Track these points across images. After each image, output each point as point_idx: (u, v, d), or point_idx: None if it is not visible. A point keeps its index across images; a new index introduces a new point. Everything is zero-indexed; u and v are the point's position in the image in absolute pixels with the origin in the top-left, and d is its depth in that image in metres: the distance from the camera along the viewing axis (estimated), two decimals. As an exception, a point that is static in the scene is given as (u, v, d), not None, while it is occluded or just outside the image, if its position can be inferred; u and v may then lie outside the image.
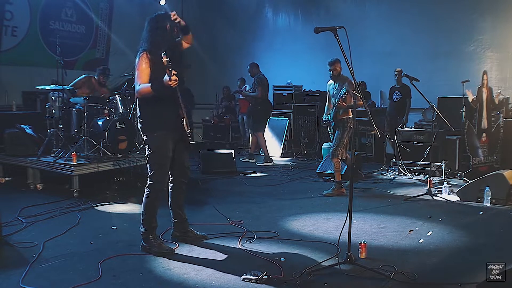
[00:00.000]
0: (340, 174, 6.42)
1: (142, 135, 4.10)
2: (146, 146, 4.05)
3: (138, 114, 4.06)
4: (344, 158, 6.47)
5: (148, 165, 4.07)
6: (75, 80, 7.39)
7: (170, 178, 4.25)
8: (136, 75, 3.90)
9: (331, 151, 6.40)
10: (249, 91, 9.24)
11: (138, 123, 4.10)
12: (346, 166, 6.85)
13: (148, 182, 4.05)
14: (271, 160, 9.04)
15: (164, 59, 3.71)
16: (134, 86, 3.99)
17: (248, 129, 9.68)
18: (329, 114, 6.46)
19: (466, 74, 8.32)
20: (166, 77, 3.72)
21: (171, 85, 3.74)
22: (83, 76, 7.37)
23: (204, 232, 4.47)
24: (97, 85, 7.53)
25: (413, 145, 7.94)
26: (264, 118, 9.21)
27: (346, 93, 5.96)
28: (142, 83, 3.86)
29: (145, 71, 3.87)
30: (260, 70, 9.03)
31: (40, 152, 6.67)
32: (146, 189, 4.07)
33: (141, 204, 4.11)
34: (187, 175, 4.31)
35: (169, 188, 4.27)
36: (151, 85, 3.81)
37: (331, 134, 6.54)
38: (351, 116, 6.33)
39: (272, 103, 10.69)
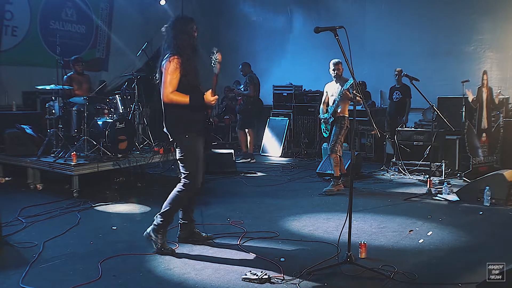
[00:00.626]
0: (338, 169, 6.53)
1: (171, 138, 4.05)
2: (178, 149, 4.03)
3: (165, 117, 4.01)
4: (341, 155, 6.57)
5: (182, 166, 4.03)
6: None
7: None
8: (164, 79, 3.86)
9: (330, 147, 6.53)
10: (241, 89, 9.35)
11: (166, 126, 4.04)
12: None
13: (184, 181, 4.01)
14: (252, 158, 9.19)
15: (218, 68, 3.89)
16: (160, 89, 3.90)
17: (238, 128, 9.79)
18: (326, 112, 6.64)
19: (466, 74, 8.33)
20: (209, 96, 3.91)
21: (211, 102, 3.94)
22: (64, 78, 7.29)
23: (205, 232, 4.46)
24: (79, 76, 7.52)
25: (413, 145, 7.94)
26: (254, 117, 9.35)
27: (353, 82, 6.02)
28: (173, 90, 3.84)
29: (176, 75, 3.85)
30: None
31: (40, 152, 6.66)
32: (181, 186, 4.01)
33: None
34: (203, 176, 4.30)
35: None
36: (189, 99, 3.85)
37: (326, 131, 6.68)
38: (348, 115, 6.53)
39: (272, 103, 10.76)
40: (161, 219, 4.02)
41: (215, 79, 4.01)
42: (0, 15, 8.72)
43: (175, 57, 3.87)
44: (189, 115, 3.96)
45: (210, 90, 3.97)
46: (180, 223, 4.31)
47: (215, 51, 3.89)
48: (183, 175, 4.03)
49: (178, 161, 4.09)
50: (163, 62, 3.92)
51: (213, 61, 3.92)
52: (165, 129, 4.09)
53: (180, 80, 3.88)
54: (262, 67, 11.04)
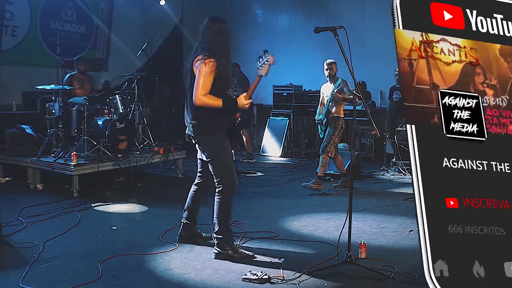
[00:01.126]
0: (324, 169, 6.58)
1: (197, 139, 3.93)
2: (205, 151, 3.92)
3: (194, 118, 3.88)
4: (333, 156, 6.57)
5: (213, 168, 3.90)
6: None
7: (200, 180, 4.19)
8: (197, 80, 3.73)
9: (322, 147, 6.56)
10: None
11: (192, 127, 3.90)
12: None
13: (219, 185, 3.88)
14: (252, 158, 9.22)
15: (266, 70, 3.76)
16: (192, 90, 3.76)
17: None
18: (321, 113, 6.68)
19: (466, 74, 8.30)
20: (243, 100, 3.85)
21: (244, 106, 3.87)
22: (66, 77, 7.26)
23: (205, 232, 4.45)
24: (81, 75, 7.54)
25: (413, 145, 7.92)
26: (246, 116, 9.37)
27: (342, 81, 6.25)
28: (206, 93, 3.72)
29: (210, 78, 3.73)
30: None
31: (40, 152, 6.66)
32: (217, 193, 3.89)
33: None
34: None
35: (193, 190, 4.22)
36: (222, 103, 3.74)
37: (321, 132, 6.71)
38: (343, 116, 6.55)
39: (272, 103, 10.77)
40: (219, 233, 3.89)
41: (257, 81, 3.89)
42: (0, 15, 8.73)
43: (212, 60, 3.75)
44: (220, 117, 3.87)
45: (244, 93, 3.88)
46: (183, 222, 4.27)
47: (267, 52, 3.75)
48: (215, 178, 3.90)
49: (208, 164, 3.93)
50: (198, 63, 3.78)
51: (261, 62, 3.76)
52: (188, 131, 3.97)
53: (213, 83, 3.76)
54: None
